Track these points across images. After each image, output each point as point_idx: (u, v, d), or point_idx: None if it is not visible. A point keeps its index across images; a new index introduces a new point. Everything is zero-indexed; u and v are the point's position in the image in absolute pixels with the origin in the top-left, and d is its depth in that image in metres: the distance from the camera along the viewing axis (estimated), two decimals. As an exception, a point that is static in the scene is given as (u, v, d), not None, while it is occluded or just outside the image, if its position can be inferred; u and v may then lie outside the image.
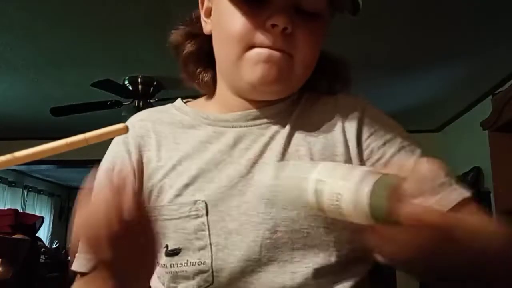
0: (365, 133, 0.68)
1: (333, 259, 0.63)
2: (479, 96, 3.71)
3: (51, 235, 7.61)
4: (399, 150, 0.67)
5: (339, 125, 0.69)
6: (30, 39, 2.78)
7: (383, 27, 2.68)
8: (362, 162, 0.67)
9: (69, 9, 2.44)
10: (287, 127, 0.68)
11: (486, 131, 2.97)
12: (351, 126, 0.69)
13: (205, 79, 0.73)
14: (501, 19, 2.57)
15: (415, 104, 3.88)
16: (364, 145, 0.68)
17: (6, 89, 3.64)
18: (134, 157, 0.70)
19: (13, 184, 6.83)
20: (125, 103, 3.52)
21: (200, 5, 0.72)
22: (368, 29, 2.67)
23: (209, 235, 0.63)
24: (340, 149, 0.67)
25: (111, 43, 2.83)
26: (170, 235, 0.64)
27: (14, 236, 3.77)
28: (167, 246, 0.64)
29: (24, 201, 7.09)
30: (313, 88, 0.73)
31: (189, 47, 0.73)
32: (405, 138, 0.68)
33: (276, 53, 0.63)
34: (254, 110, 0.70)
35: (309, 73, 0.68)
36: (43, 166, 5.82)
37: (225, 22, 0.65)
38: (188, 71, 0.74)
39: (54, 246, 7.10)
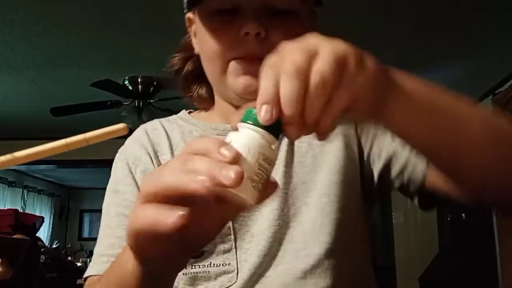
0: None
1: (343, 236, 0.66)
2: (479, 96, 3.71)
3: (51, 235, 7.61)
4: None
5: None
6: (30, 39, 2.78)
7: (383, 27, 2.68)
8: (359, 139, 0.72)
9: (69, 9, 2.44)
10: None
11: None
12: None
13: (201, 94, 0.76)
14: (501, 19, 2.57)
15: (415, 104, 3.87)
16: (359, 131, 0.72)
17: (6, 89, 3.64)
18: (155, 161, 0.72)
19: (13, 184, 6.83)
20: (125, 103, 3.52)
21: (188, 28, 0.75)
22: (368, 29, 2.67)
23: (235, 239, 0.66)
24: (340, 140, 0.71)
25: (111, 43, 2.83)
26: None
27: (14, 236, 3.77)
28: None
29: (24, 201, 7.09)
30: None
31: (186, 69, 0.76)
32: None
33: (254, 65, 0.61)
34: None
35: None
36: (43, 166, 5.82)
37: (203, 42, 0.67)
38: (186, 90, 0.78)
39: (54, 246, 7.11)
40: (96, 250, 0.68)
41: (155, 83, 3.44)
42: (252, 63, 0.62)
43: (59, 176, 7.60)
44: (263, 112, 0.37)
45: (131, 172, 0.72)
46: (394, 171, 0.68)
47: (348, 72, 0.39)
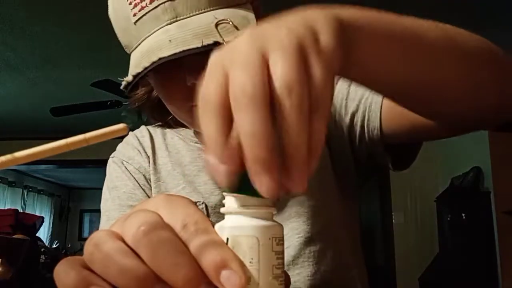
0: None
1: (321, 223, 0.67)
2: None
3: (51, 235, 7.61)
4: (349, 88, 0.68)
5: None
6: (30, 39, 2.78)
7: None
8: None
9: (69, 9, 2.44)
10: None
11: (486, 131, 2.97)
12: None
13: (175, 119, 0.75)
14: (502, 19, 2.57)
15: (415, 104, 3.87)
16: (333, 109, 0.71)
17: (6, 89, 3.64)
18: (146, 160, 0.74)
19: (13, 184, 6.83)
20: (125, 103, 3.52)
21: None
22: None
23: None
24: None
25: (111, 43, 2.83)
26: None
27: (14, 236, 3.77)
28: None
29: (24, 201, 7.09)
30: None
31: (152, 98, 0.73)
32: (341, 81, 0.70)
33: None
34: None
35: None
36: (43, 166, 5.82)
37: (156, 90, 0.66)
38: (159, 118, 0.77)
39: (54, 246, 7.11)
40: None
41: (155, 83, 3.43)
42: None
43: (59, 176, 7.61)
44: (264, 188, 0.27)
45: (127, 170, 0.73)
46: (356, 125, 0.66)
47: (312, 69, 0.30)
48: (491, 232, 3.28)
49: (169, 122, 0.77)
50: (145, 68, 0.54)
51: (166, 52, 0.52)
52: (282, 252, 0.31)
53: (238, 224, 0.30)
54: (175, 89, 0.61)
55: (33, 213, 6.09)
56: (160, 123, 0.79)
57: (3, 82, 3.50)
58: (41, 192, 7.69)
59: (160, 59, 0.52)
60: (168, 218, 0.30)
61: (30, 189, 7.33)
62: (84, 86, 3.25)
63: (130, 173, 0.72)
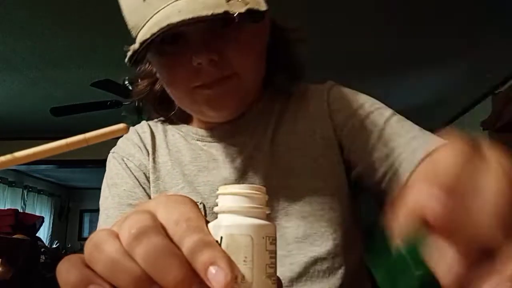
0: (334, 113, 0.70)
1: (329, 244, 0.64)
2: (479, 96, 3.71)
3: (51, 235, 7.61)
4: (368, 115, 0.66)
5: (312, 119, 0.70)
6: (30, 39, 2.78)
7: (383, 27, 2.68)
8: (340, 142, 0.68)
9: (69, 9, 2.44)
10: (270, 128, 0.70)
11: (486, 131, 2.97)
12: (321, 115, 0.70)
13: (178, 113, 0.75)
14: (502, 19, 2.57)
15: (415, 104, 3.88)
16: (336, 122, 0.69)
17: (6, 89, 3.64)
18: (146, 158, 0.73)
19: (13, 184, 6.83)
20: (125, 103, 3.52)
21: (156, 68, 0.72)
22: (368, 28, 2.67)
23: None
24: (319, 144, 0.68)
25: (111, 43, 2.83)
26: None
27: (14, 236, 3.77)
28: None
29: (24, 201, 7.09)
30: (276, 86, 0.74)
31: (155, 92, 0.73)
32: (374, 104, 0.68)
33: (218, 87, 0.61)
34: (235, 121, 0.71)
35: (261, 73, 0.68)
36: (43, 166, 5.82)
37: (160, 75, 0.66)
38: (162, 113, 0.76)
39: (54, 246, 7.11)
40: None
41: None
42: (216, 86, 0.60)
43: (59, 176, 7.60)
44: None
45: (128, 167, 0.72)
46: (369, 182, 0.65)
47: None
48: (491, 232, 3.28)
49: (171, 117, 0.76)
50: (153, 35, 0.53)
51: (176, 19, 0.52)
52: (275, 252, 0.31)
53: (233, 222, 0.30)
54: (179, 70, 0.61)
55: (33, 213, 6.09)
56: (162, 118, 0.78)
57: (3, 82, 3.50)
58: (41, 192, 7.69)
59: (168, 25, 0.52)
60: (164, 216, 0.30)
61: (30, 189, 7.32)
62: (84, 86, 3.25)
63: (131, 171, 0.72)
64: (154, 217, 0.30)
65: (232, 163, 0.69)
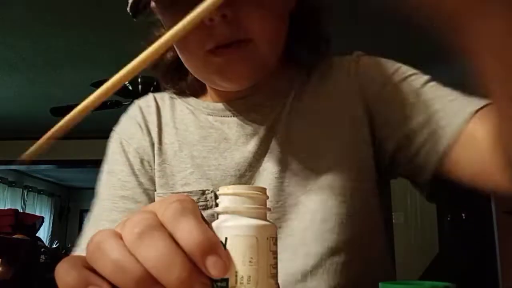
0: (365, 86, 0.63)
1: (348, 232, 0.59)
2: (479, 96, 3.71)
3: (51, 235, 7.61)
4: (403, 80, 0.61)
5: (337, 96, 0.64)
6: (30, 39, 2.78)
7: (382, 26, 2.68)
8: (372, 117, 0.62)
9: (69, 9, 2.44)
10: (287, 107, 0.64)
11: (486, 131, 2.97)
12: (348, 90, 0.64)
13: (190, 84, 0.70)
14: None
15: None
16: (368, 95, 0.63)
17: (6, 89, 3.64)
18: (147, 139, 0.68)
19: (13, 184, 6.83)
20: (125, 103, 3.52)
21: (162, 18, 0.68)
22: (368, 27, 2.67)
23: None
24: (342, 123, 0.63)
25: (111, 43, 2.83)
26: None
27: (14, 236, 3.77)
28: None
29: (24, 201, 7.09)
30: (297, 61, 0.67)
31: (165, 61, 0.68)
32: (408, 69, 0.63)
33: (233, 52, 0.55)
34: (248, 96, 0.65)
35: (281, 42, 0.61)
36: (43, 166, 5.82)
37: None
38: (171, 84, 0.71)
39: (54, 246, 7.11)
40: (88, 235, 0.62)
41: (155, 83, 3.43)
42: (228, 52, 0.55)
43: (59, 176, 7.60)
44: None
45: (124, 151, 0.68)
46: (406, 154, 0.59)
47: None
48: (491, 232, 3.28)
49: (183, 89, 0.70)
50: None
51: None
52: (277, 253, 0.31)
53: (237, 223, 0.30)
54: (191, 30, 0.56)
55: (33, 213, 6.09)
56: (173, 91, 0.72)
57: (3, 82, 3.50)
58: (41, 192, 7.69)
59: None
60: (164, 214, 0.30)
61: (30, 189, 7.33)
62: (84, 86, 3.25)
63: (127, 156, 0.67)
64: (156, 217, 0.30)
65: (246, 145, 0.63)
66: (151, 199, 0.66)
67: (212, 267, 0.28)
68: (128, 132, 0.69)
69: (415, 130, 0.58)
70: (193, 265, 0.28)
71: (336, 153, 0.61)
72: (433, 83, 0.61)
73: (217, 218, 0.32)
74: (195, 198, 0.61)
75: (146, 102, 0.72)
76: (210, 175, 0.63)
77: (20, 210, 5.61)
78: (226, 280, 0.29)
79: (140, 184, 0.66)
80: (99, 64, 3.14)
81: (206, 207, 0.61)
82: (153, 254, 0.27)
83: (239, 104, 0.66)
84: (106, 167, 0.69)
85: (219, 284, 0.29)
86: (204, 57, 0.56)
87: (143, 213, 0.30)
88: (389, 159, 0.62)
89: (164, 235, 0.28)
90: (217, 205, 0.55)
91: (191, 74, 0.66)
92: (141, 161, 0.67)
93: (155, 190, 0.66)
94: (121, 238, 0.29)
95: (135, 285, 0.27)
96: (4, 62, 3.11)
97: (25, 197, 7.16)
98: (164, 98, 0.72)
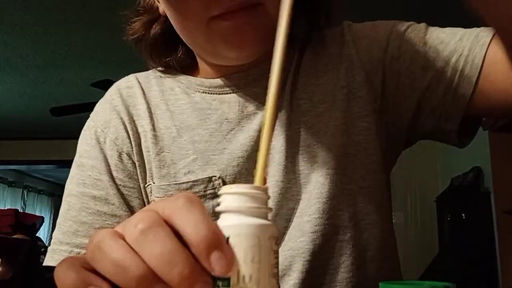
0: (365, 51, 0.60)
1: (355, 209, 0.57)
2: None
3: (51, 235, 7.60)
4: (403, 36, 0.58)
5: (336, 67, 0.61)
6: (30, 39, 2.78)
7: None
8: (377, 83, 0.59)
9: (69, 9, 2.44)
10: (288, 85, 0.60)
11: (486, 131, 2.97)
12: (346, 60, 0.60)
13: (180, 59, 0.63)
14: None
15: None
16: (373, 60, 0.59)
17: (6, 89, 3.64)
18: (129, 127, 0.61)
19: (13, 184, 6.83)
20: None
21: None
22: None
23: None
24: (345, 95, 0.59)
25: (111, 43, 2.83)
26: None
27: (14, 236, 3.77)
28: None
29: (24, 201, 7.09)
30: (295, 35, 0.61)
31: (153, 34, 0.62)
32: (401, 23, 0.60)
33: (242, 16, 0.50)
34: (249, 69, 0.60)
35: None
36: (43, 166, 5.82)
37: (168, 3, 0.54)
38: (157, 60, 0.64)
39: (54, 246, 7.10)
40: (56, 235, 0.60)
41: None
42: (237, 16, 0.50)
43: (59, 176, 7.60)
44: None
45: (99, 143, 0.61)
46: (431, 105, 0.56)
47: None
48: (491, 232, 3.28)
49: (171, 64, 0.63)
50: None
51: None
52: (278, 252, 0.31)
53: (239, 222, 0.30)
54: None
55: (33, 213, 6.08)
56: (160, 69, 0.66)
57: (3, 82, 3.50)
58: (41, 192, 7.68)
59: None
60: (168, 212, 0.30)
61: (30, 189, 7.32)
62: (84, 86, 3.25)
63: (102, 149, 0.61)
64: (159, 214, 0.29)
65: (249, 124, 0.58)
66: (126, 201, 0.60)
67: (216, 264, 0.27)
68: (103, 120, 0.62)
69: (436, 78, 0.55)
70: (196, 262, 0.28)
71: (339, 127, 0.58)
72: (432, 28, 0.58)
73: (219, 217, 0.32)
74: (201, 186, 0.56)
75: (127, 83, 0.65)
76: (215, 160, 0.57)
77: (20, 210, 5.61)
78: (228, 279, 0.28)
79: (114, 183, 0.60)
80: (99, 64, 3.14)
81: (214, 195, 0.56)
82: (157, 250, 0.27)
83: (239, 78, 0.60)
84: (77, 159, 0.62)
85: (220, 283, 0.28)
86: (208, 23, 0.51)
87: (146, 211, 0.30)
88: (408, 121, 0.59)
89: (168, 231, 0.28)
90: None
91: (182, 48, 0.62)
92: (119, 154, 0.60)
93: (134, 188, 0.60)
94: (121, 237, 0.29)
95: (137, 284, 0.27)
96: (4, 62, 3.11)
97: (25, 197, 7.16)
98: (149, 77, 0.65)
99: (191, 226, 0.28)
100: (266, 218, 0.31)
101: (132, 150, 0.60)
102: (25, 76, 3.37)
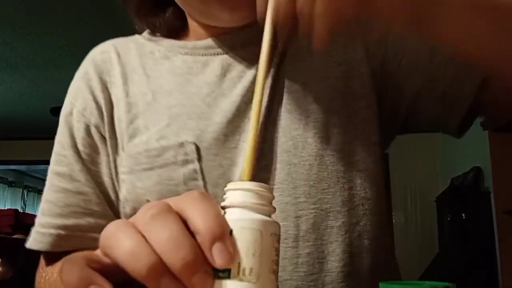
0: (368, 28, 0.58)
1: (345, 195, 0.53)
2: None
3: (51, 235, 7.62)
4: None
5: (334, 42, 0.57)
6: (30, 39, 2.78)
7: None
8: (380, 63, 0.56)
9: (69, 9, 2.44)
10: (277, 53, 0.55)
11: (486, 131, 2.97)
12: (347, 32, 0.57)
13: (168, 20, 0.60)
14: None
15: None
16: (375, 39, 0.57)
17: (6, 89, 3.64)
18: (100, 95, 0.57)
19: (13, 184, 6.83)
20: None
21: None
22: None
23: (205, 185, 0.51)
24: (338, 70, 0.56)
25: (111, 43, 2.84)
26: (153, 188, 0.52)
27: (14, 236, 3.77)
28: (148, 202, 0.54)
29: (24, 201, 7.09)
30: None
31: None
32: None
33: None
34: (239, 33, 0.56)
35: None
36: (43, 166, 5.82)
37: None
38: (144, 20, 0.61)
39: (54, 246, 7.11)
40: (42, 212, 0.57)
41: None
42: None
43: (59, 176, 7.61)
44: None
45: (69, 115, 0.58)
46: (432, 94, 0.54)
47: None
48: (491, 232, 3.28)
49: (156, 25, 0.60)
50: None
51: None
52: (279, 250, 0.32)
53: (243, 216, 0.31)
54: None
55: (33, 213, 6.08)
56: (146, 34, 0.62)
57: (3, 82, 3.50)
58: (41, 192, 7.64)
59: None
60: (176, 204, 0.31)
61: (30, 189, 7.33)
62: (84, 86, 3.26)
63: (70, 122, 0.58)
64: (170, 205, 0.30)
65: (232, 89, 0.54)
66: (95, 177, 0.56)
67: (218, 255, 0.28)
68: (73, 91, 0.59)
69: (444, 64, 0.53)
70: (200, 251, 0.28)
71: (331, 101, 0.54)
72: None
73: (224, 213, 0.32)
74: (171, 152, 0.52)
75: (102, 48, 0.61)
76: (191, 124, 0.53)
77: (20, 210, 5.61)
78: (229, 270, 0.29)
79: (80, 158, 0.56)
80: (99, 64, 3.15)
81: (186, 162, 0.51)
82: (164, 234, 0.28)
83: (225, 40, 0.56)
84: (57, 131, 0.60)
85: (221, 274, 0.29)
86: None
87: (157, 202, 0.31)
88: (406, 107, 0.56)
89: (176, 218, 0.29)
90: (199, 158, 0.51)
91: (171, 9, 0.59)
92: (87, 127, 0.57)
93: (102, 163, 0.57)
94: (133, 226, 0.30)
95: (147, 272, 0.28)
96: (4, 62, 3.11)
97: (25, 197, 7.16)
98: (128, 42, 0.62)
99: (200, 216, 0.28)
100: (269, 216, 0.32)
101: (102, 122, 0.57)
102: (25, 76, 3.37)
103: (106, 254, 0.30)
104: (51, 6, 2.43)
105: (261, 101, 0.35)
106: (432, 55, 0.53)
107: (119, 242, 0.29)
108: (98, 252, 0.32)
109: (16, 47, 2.91)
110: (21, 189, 7.08)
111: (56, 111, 3.44)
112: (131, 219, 0.31)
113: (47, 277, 0.54)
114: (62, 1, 2.39)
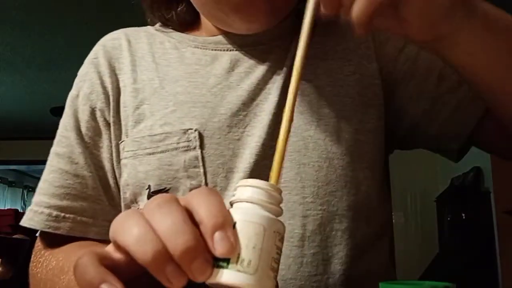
0: (382, 46, 0.59)
1: (351, 200, 0.54)
2: (479, 96, 3.70)
3: (51, 235, 7.62)
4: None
5: (345, 48, 0.59)
6: (30, 39, 2.78)
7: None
8: (392, 80, 0.58)
9: (69, 9, 2.44)
10: (290, 56, 0.56)
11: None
12: (361, 43, 0.59)
13: (181, 15, 0.60)
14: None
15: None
16: (384, 55, 0.58)
17: (6, 89, 3.64)
18: (108, 80, 0.57)
19: (13, 184, 6.83)
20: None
21: None
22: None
23: (205, 172, 0.52)
24: (352, 79, 0.57)
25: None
26: (153, 172, 0.52)
27: (14, 236, 3.77)
28: (149, 187, 0.53)
29: (24, 201, 7.09)
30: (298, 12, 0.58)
31: None
32: None
33: None
34: (250, 34, 0.57)
35: None
36: (43, 166, 5.81)
37: None
38: (159, 14, 0.62)
39: (54, 246, 7.11)
40: (39, 190, 0.57)
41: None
42: None
43: (59, 176, 7.62)
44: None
45: (76, 98, 0.58)
46: (436, 119, 0.56)
47: None
48: (491, 232, 3.28)
49: (168, 18, 0.61)
50: None
51: None
52: (281, 250, 0.32)
53: (248, 210, 0.31)
54: None
55: (33, 213, 6.09)
56: (158, 25, 0.63)
57: (3, 82, 3.50)
58: (41, 192, 7.69)
59: None
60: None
61: (30, 189, 7.32)
62: (84, 86, 3.26)
63: (76, 104, 0.58)
64: (175, 196, 0.32)
65: (239, 83, 0.55)
66: (95, 161, 0.56)
67: (218, 243, 0.28)
68: (82, 74, 0.60)
69: (450, 90, 0.55)
70: (201, 239, 0.29)
71: (343, 107, 0.55)
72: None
73: (231, 207, 0.33)
74: (175, 138, 0.53)
75: (113, 35, 0.62)
76: (195, 112, 0.54)
77: (20, 210, 5.61)
78: (228, 260, 0.29)
79: (82, 141, 0.56)
80: (99, 64, 3.15)
81: (188, 148, 0.52)
82: (167, 221, 0.29)
83: (236, 38, 0.57)
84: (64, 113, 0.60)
85: (220, 263, 0.29)
86: None
87: (165, 194, 0.32)
88: (408, 126, 0.59)
89: (180, 207, 0.30)
90: (201, 146, 0.52)
91: (184, 4, 0.60)
92: (92, 110, 0.57)
93: (104, 148, 0.57)
94: (142, 215, 0.31)
95: (153, 258, 0.28)
96: (4, 62, 3.11)
97: (25, 197, 7.16)
98: (139, 31, 0.62)
99: (204, 206, 0.30)
100: (275, 215, 0.32)
101: (108, 107, 0.57)
102: (25, 76, 3.38)
103: (115, 242, 0.31)
104: (51, 6, 2.43)
105: (293, 110, 0.36)
106: (439, 82, 0.55)
107: (127, 229, 0.30)
108: (109, 247, 0.33)
109: (16, 47, 2.91)
110: (21, 189, 7.08)
111: (56, 111, 3.44)
112: (141, 209, 0.31)
113: (44, 264, 0.53)
114: (62, 1, 2.39)
